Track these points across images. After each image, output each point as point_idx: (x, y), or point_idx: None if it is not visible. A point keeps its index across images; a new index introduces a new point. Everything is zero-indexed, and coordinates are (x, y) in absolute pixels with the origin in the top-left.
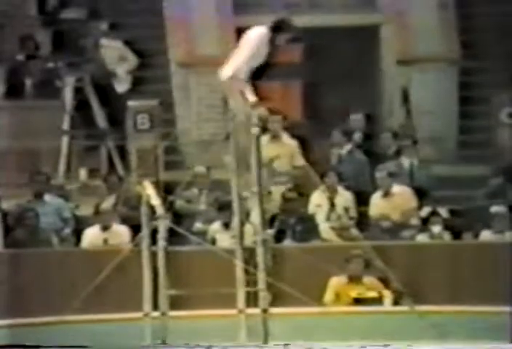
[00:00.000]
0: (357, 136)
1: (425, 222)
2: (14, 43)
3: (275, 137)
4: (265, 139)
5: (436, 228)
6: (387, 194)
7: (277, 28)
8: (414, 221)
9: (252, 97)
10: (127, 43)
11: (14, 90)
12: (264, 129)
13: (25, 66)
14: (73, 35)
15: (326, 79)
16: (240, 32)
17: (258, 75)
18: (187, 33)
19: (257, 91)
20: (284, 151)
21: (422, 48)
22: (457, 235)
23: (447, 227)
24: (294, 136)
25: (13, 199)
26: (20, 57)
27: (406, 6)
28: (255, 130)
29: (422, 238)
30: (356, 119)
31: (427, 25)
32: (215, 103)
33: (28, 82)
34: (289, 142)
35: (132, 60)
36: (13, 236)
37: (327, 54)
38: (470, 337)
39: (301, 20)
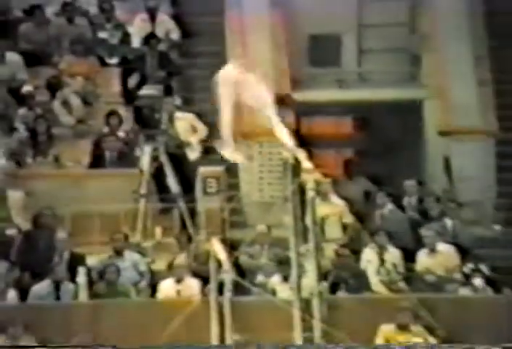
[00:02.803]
0: (410, 199)
1: (468, 277)
2: (99, 119)
3: (325, 198)
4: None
5: (477, 281)
6: (432, 251)
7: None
8: (458, 276)
9: (308, 164)
10: (198, 115)
11: (98, 160)
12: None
13: (108, 139)
14: (151, 110)
15: (375, 148)
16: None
17: None
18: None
19: (312, 158)
20: (333, 210)
21: (462, 121)
22: (497, 290)
23: (488, 282)
24: (342, 197)
25: (96, 256)
26: (105, 130)
27: (448, 83)
28: (311, 193)
29: (464, 291)
30: (410, 185)
31: (467, 100)
32: (275, 169)
33: (110, 153)
34: (338, 202)
35: (202, 131)
36: (96, 289)
37: (376, 125)
38: None
39: (352, 94)
